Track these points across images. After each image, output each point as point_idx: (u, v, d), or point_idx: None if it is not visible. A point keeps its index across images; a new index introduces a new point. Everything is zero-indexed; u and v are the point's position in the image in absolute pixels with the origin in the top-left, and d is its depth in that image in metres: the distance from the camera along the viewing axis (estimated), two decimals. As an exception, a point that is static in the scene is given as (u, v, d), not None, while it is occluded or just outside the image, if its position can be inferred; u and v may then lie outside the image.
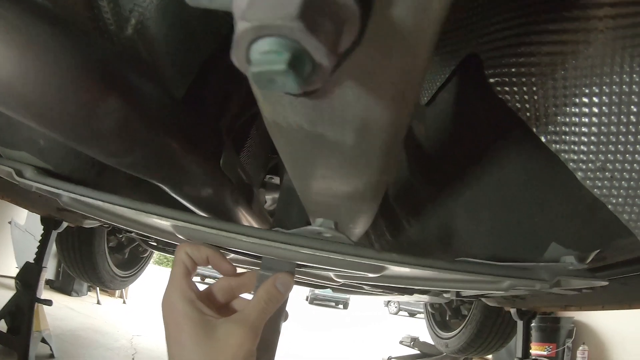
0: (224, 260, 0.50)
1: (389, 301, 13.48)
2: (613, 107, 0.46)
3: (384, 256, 0.43)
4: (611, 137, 0.47)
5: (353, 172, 0.45)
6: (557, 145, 0.51)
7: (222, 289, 0.51)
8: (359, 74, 0.27)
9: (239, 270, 0.54)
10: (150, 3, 0.55)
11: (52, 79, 0.38)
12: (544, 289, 0.59)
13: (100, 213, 0.67)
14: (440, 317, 3.01)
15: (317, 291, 12.88)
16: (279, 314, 0.52)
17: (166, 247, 1.89)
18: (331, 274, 0.86)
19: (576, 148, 0.50)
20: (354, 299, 14.29)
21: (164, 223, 0.61)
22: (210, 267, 0.52)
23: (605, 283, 0.56)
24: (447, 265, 0.47)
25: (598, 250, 0.57)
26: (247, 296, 0.53)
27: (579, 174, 0.50)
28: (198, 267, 0.50)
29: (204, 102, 0.76)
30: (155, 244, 1.92)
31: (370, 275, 0.63)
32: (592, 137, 0.48)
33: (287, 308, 0.57)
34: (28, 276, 2.30)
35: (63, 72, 0.39)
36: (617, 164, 0.48)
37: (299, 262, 0.54)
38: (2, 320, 2.26)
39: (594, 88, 0.47)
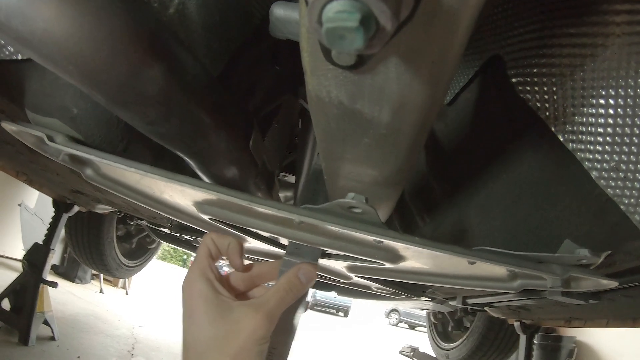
0: (238, 255, 0.51)
1: (390, 312, 13.39)
2: (628, 109, 0.49)
3: (407, 237, 0.46)
4: (625, 138, 0.49)
5: (382, 154, 0.48)
6: (574, 145, 0.53)
7: (242, 276, 0.52)
8: (404, 50, 0.30)
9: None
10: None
11: (105, 40, 0.39)
12: (555, 287, 0.60)
13: (122, 189, 0.68)
14: (442, 328, 3.01)
15: (318, 296, 12.75)
16: (298, 305, 0.51)
17: (179, 235, 1.91)
18: (345, 268, 0.86)
19: (592, 147, 0.52)
20: (354, 309, 14.19)
21: (187, 203, 0.64)
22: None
23: (615, 283, 0.58)
24: (465, 251, 0.49)
25: (609, 252, 0.58)
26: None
27: (594, 173, 0.52)
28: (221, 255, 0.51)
29: (233, 87, 0.79)
30: (167, 231, 1.94)
31: (387, 265, 0.64)
32: (607, 138, 0.50)
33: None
34: (36, 257, 2.33)
35: (117, 34, 0.39)
36: (630, 165, 0.50)
37: (323, 249, 0.56)
38: (6, 300, 2.27)
39: (610, 90, 0.49)
